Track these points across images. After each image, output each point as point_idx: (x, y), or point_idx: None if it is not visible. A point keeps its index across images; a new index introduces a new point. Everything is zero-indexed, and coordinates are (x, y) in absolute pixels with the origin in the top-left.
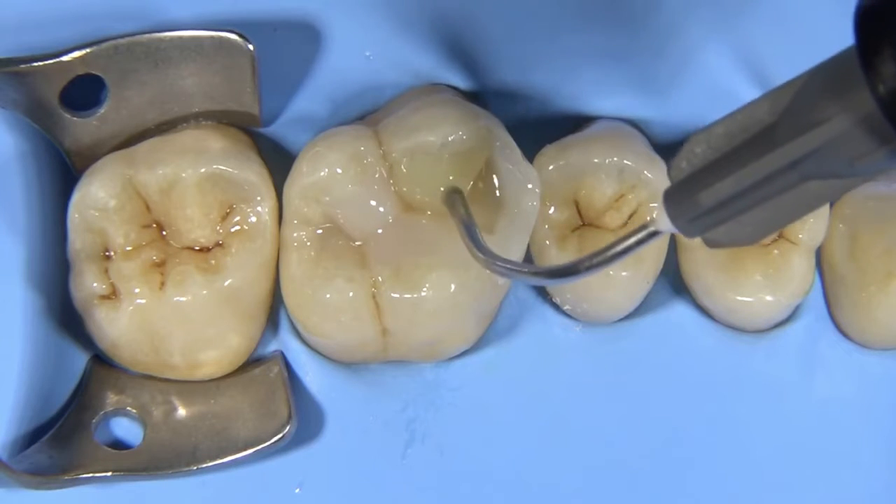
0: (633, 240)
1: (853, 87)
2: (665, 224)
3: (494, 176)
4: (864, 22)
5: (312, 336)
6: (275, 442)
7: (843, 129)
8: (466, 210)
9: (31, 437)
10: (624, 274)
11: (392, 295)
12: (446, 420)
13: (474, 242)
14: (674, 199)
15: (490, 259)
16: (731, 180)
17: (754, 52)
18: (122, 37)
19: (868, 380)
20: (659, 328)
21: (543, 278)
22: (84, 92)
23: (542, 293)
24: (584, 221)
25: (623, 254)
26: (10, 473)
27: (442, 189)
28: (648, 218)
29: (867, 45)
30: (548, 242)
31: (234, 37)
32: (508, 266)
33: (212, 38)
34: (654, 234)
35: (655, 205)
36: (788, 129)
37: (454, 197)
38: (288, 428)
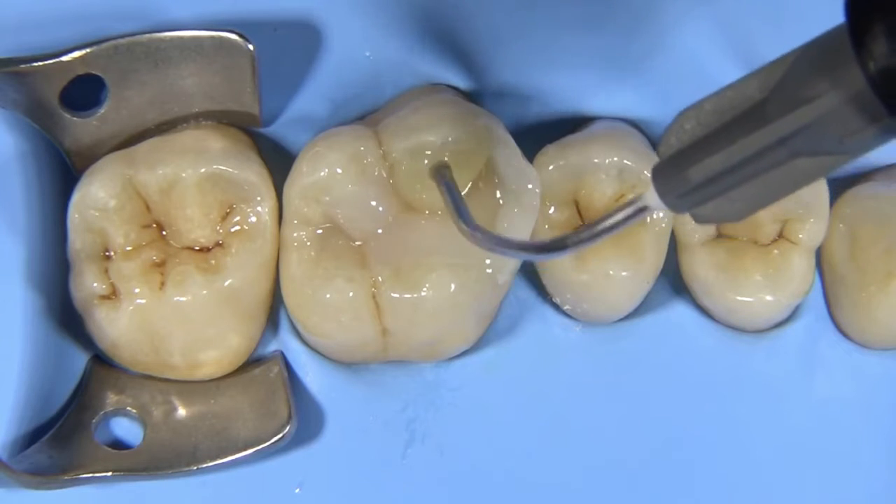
0: (621, 215)
1: (844, 65)
2: (654, 200)
3: (494, 176)
4: (855, 0)
5: (312, 336)
6: (275, 442)
7: (832, 106)
8: (454, 183)
9: (31, 437)
10: (624, 274)
11: (392, 295)
12: (446, 420)
13: (461, 215)
14: (663, 174)
15: (476, 232)
16: (721, 156)
17: (753, 50)
18: (122, 37)
19: (868, 380)
20: (659, 328)
21: (531, 253)
22: (84, 92)
23: (542, 293)
24: (584, 221)
25: (611, 230)
26: (10, 473)
27: (427, 163)
28: (638, 194)
29: (857, 23)
30: None
31: (234, 37)
32: (495, 240)
33: (212, 38)
34: (643, 209)
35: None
36: (778, 106)
37: (441, 171)
38: (288, 428)
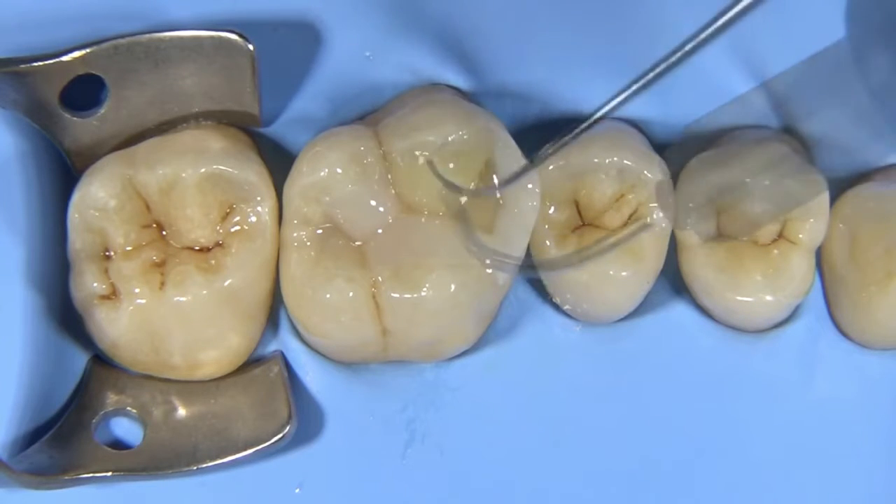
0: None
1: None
2: (659, 216)
3: (494, 176)
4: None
5: (312, 336)
6: (275, 442)
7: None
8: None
9: (31, 437)
10: (624, 274)
11: (392, 295)
12: (446, 420)
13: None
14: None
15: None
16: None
17: (752, 49)
18: (122, 37)
19: (868, 380)
20: (659, 328)
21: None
22: (84, 92)
23: (542, 293)
24: (584, 221)
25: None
26: (10, 473)
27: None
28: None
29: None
30: (548, 242)
31: (234, 37)
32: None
33: (212, 38)
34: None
35: (655, 204)
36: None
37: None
38: (288, 428)
